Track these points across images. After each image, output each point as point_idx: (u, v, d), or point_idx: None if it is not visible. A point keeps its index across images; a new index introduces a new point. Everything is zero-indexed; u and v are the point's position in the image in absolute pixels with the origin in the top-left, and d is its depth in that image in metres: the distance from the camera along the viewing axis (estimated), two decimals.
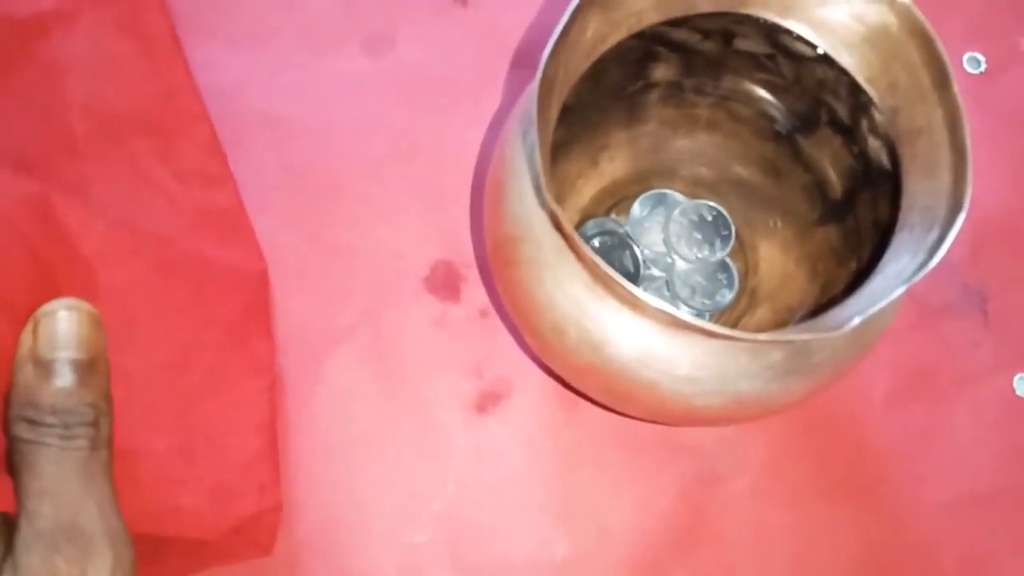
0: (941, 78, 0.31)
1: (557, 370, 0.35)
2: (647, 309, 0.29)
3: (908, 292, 0.27)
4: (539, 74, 0.29)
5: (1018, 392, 0.43)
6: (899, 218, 0.31)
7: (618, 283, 0.28)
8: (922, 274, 0.28)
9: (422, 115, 0.46)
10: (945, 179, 0.30)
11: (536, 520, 0.41)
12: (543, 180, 0.28)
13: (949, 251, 0.28)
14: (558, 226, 0.29)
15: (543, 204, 0.30)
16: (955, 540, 0.42)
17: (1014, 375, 0.44)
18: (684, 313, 0.28)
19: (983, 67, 0.49)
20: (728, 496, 0.42)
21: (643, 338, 0.31)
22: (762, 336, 0.27)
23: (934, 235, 0.29)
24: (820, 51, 0.34)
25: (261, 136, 0.45)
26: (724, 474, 0.42)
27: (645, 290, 0.43)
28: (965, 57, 0.49)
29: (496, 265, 0.35)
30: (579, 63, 0.32)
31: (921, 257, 0.29)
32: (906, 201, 0.32)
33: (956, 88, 0.30)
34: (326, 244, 0.44)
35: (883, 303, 0.27)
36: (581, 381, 0.34)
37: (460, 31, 0.48)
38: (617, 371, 0.32)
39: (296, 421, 0.41)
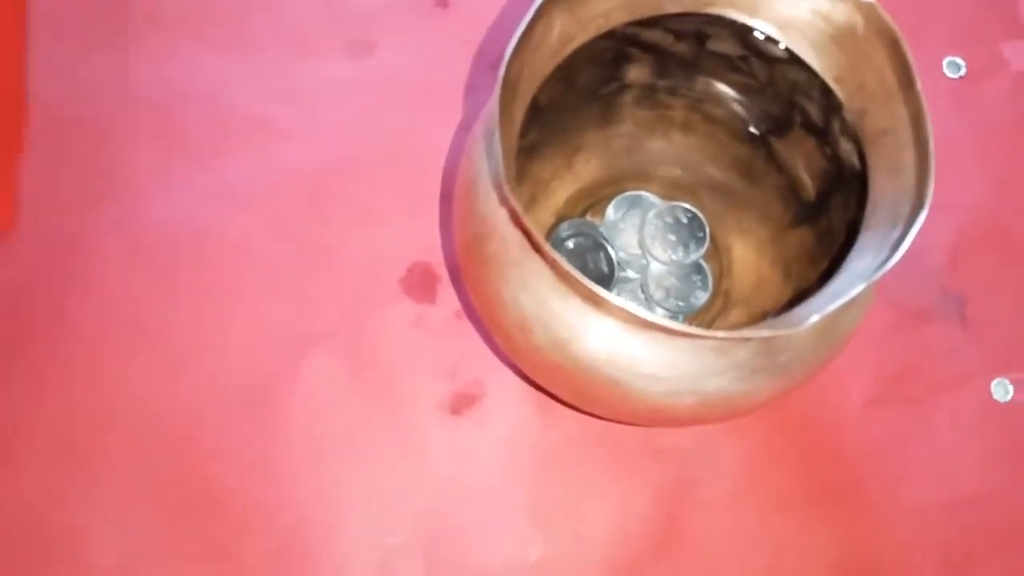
0: (906, 78, 0.31)
1: (525, 369, 0.35)
2: (610, 307, 0.29)
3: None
4: (501, 71, 0.29)
5: (995, 397, 0.43)
6: (864, 218, 0.31)
7: (580, 281, 0.28)
8: (882, 272, 0.28)
9: (403, 117, 0.46)
10: (909, 178, 0.30)
11: (511, 522, 0.41)
12: (504, 177, 0.28)
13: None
14: (518, 223, 0.29)
15: (503, 202, 0.30)
16: (935, 543, 0.41)
17: (992, 380, 0.43)
18: (643, 310, 0.28)
19: (963, 71, 0.48)
20: (706, 500, 0.41)
21: (607, 336, 0.31)
22: (720, 333, 0.27)
23: (897, 233, 0.29)
24: (783, 47, 0.34)
25: (243, 138, 0.46)
26: (702, 478, 0.42)
27: (620, 292, 0.42)
28: (945, 61, 0.48)
29: (464, 264, 0.35)
30: (545, 63, 0.32)
31: (883, 255, 0.29)
32: (872, 201, 0.32)
33: (920, 87, 0.30)
34: (305, 245, 0.44)
35: (841, 301, 0.27)
36: (548, 380, 0.34)
37: (440, 34, 0.48)
38: (583, 370, 0.31)
39: (273, 421, 0.41)
